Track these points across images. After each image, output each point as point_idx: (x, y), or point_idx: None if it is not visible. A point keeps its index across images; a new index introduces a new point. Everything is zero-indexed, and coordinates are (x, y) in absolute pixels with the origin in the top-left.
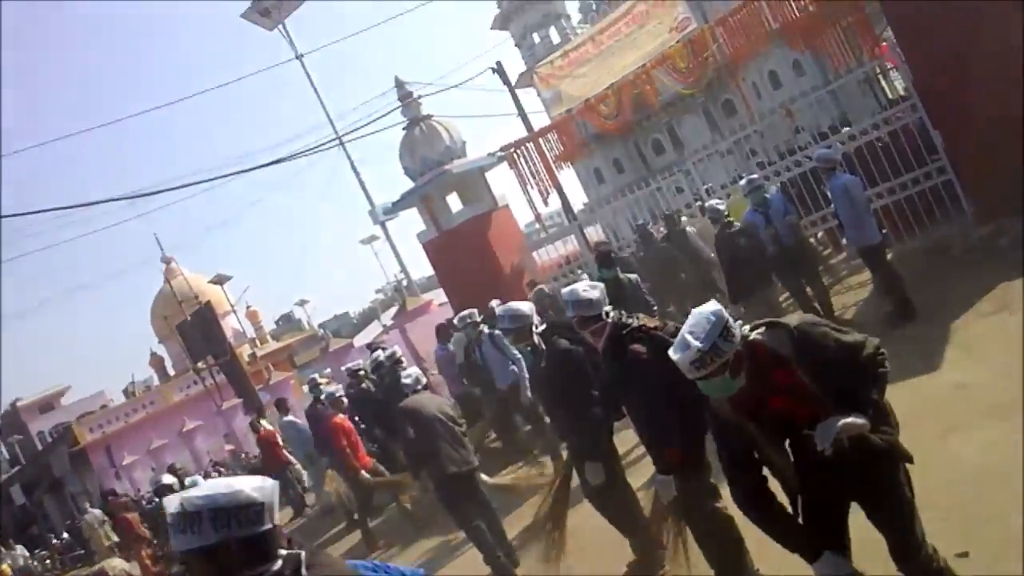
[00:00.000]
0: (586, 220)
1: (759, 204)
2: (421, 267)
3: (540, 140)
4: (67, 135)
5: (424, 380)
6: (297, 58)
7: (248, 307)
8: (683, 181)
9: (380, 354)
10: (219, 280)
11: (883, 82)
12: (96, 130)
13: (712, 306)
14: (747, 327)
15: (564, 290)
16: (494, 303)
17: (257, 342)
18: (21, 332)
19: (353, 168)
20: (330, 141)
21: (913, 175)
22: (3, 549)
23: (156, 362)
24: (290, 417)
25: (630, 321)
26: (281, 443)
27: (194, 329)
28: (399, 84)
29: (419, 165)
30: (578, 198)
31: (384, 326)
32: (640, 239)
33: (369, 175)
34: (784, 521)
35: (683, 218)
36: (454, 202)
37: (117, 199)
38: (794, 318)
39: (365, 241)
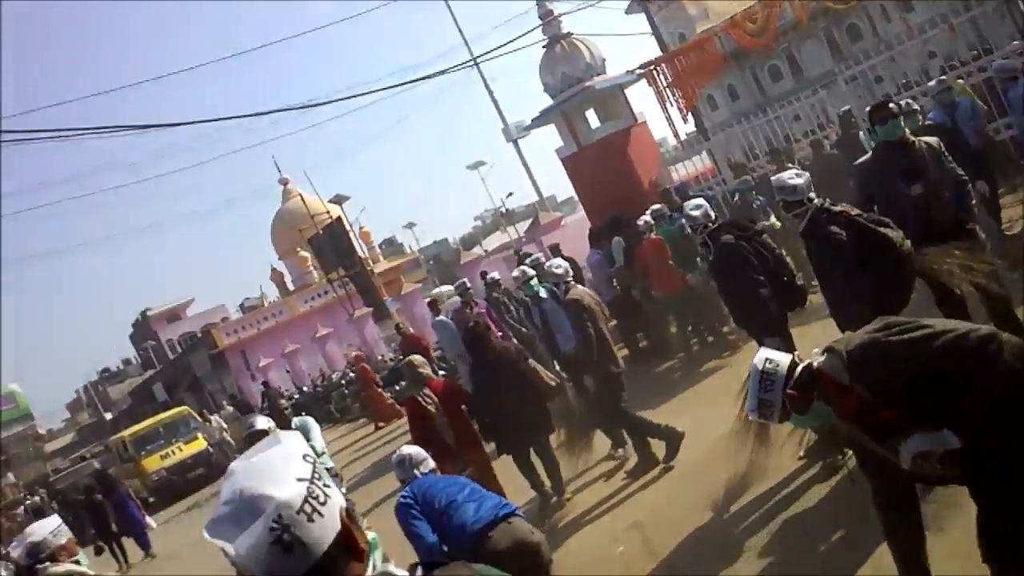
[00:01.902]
0: (696, 148)
1: (948, 105)
2: (545, 186)
3: (681, 58)
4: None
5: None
6: None
7: (361, 227)
8: (802, 109)
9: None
10: (338, 200)
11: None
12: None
13: (754, 359)
14: (817, 351)
15: (773, 177)
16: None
17: (369, 261)
18: (151, 247)
19: (487, 87)
20: (466, 63)
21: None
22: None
23: (276, 276)
24: (442, 317)
25: (832, 207)
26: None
27: (325, 242)
28: (540, 3)
29: (560, 82)
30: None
31: (485, 251)
32: (811, 146)
33: (500, 95)
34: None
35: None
36: (591, 119)
37: (244, 117)
38: (857, 336)
39: (472, 167)
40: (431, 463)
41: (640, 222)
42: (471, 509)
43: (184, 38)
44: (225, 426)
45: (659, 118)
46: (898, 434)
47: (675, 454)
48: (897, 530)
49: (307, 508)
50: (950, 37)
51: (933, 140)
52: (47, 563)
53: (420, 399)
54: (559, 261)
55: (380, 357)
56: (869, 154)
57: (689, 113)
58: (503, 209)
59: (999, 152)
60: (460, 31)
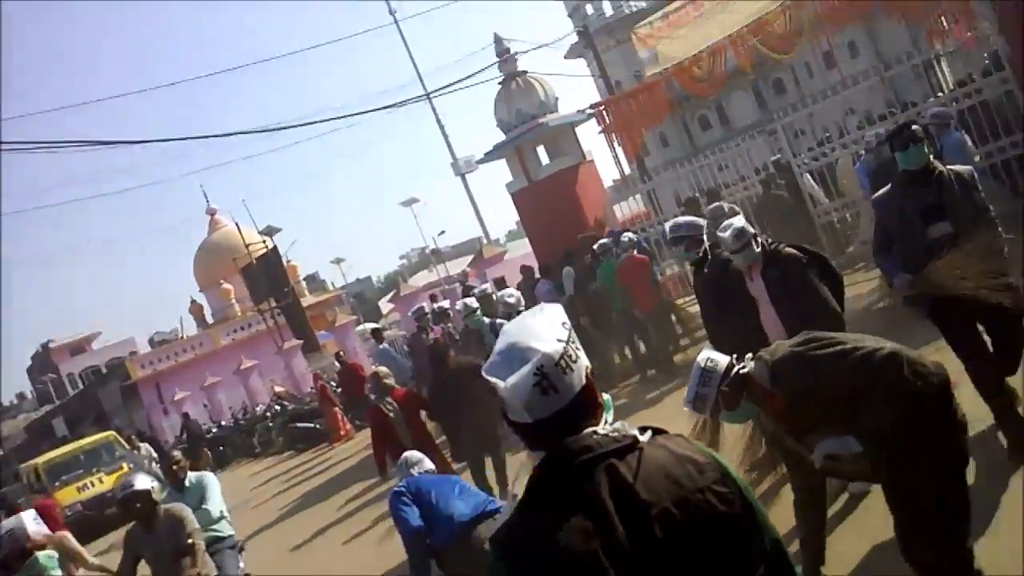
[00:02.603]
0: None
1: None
2: (467, 229)
3: (630, 100)
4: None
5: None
6: (390, 13)
7: (288, 261)
8: (729, 158)
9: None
10: (269, 232)
11: (938, 69)
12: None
13: (698, 357)
14: (749, 356)
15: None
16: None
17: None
18: (56, 277)
19: (438, 121)
20: (419, 96)
21: (999, 143)
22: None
23: (196, 309)
24: (384, 345)
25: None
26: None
27: (258, 272)
28: (497, 40)
29: (514, 118)
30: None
31: (390, 298)
32: (761, 184)
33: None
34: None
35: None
36: (542, 155)
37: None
38: (782, 347)
39: (405, 203)
40: (427, 464)
41: (624, 238)
42: (460, 504)
43: (121, 60)
44: (155, 455)
45: (606, 157)
46: (813, 435)
47: None
48: (807, 514)
49: (562, 363)
50: (869, 94)
51: (965, 170)
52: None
53: (383, 407)
54: (511, 291)
55: (311, 389)
56: (888, 187)
57: (635, 154)
58: (433, 247)
59: None
60: (415, 65)
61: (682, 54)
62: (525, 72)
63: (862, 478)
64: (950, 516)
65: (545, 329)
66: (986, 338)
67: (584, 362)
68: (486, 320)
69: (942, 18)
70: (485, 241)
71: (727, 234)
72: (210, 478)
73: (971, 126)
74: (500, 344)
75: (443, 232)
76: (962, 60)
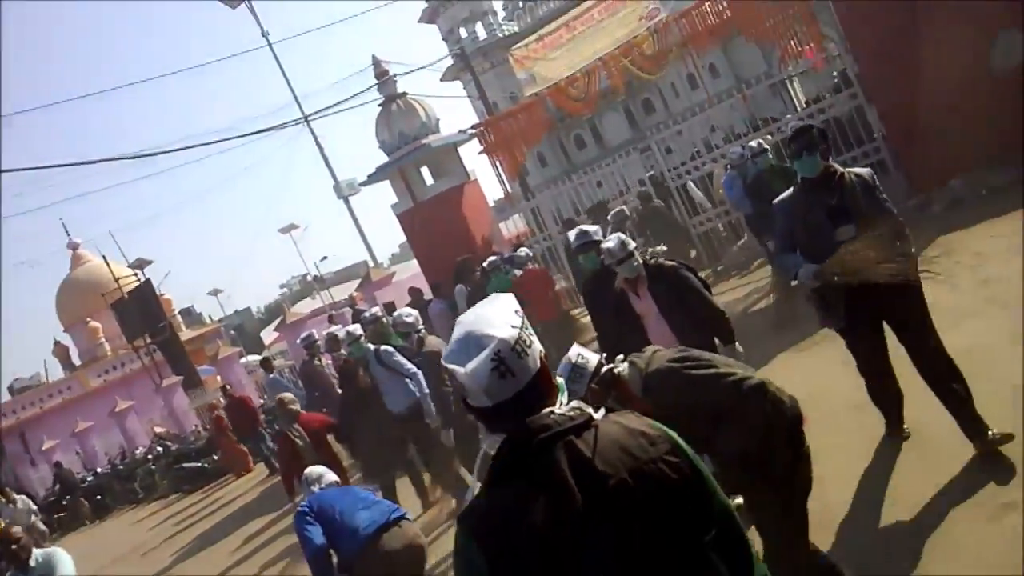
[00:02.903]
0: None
1: (741, 169)
2: (351, 253)
3: (510, 120)
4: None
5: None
6: (263, 35)
7: (161, 294)
8: (605, 176)
9: (367, 315)
10: (139, 265)
11: (790, 88)
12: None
13: (569, 352)
14: (620, 358)
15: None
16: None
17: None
18: None
19: (318, 145)
20: (296, 120)
21: (852, 154)
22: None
23: (61, 351)
24: (275, 375)
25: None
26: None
27: (131, 307)
28: (376, 63)
29: (396, 139)
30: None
31: (277, 326)
32: (639, 198)
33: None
34: None
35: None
36: (427, 176)
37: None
38: (658, 359)
39: (284, 230)
40: (329, 477)
41: (521, 252)
42: (364, 515)
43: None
44: (35, 508)
45: (489, 177)
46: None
47: None
48: None
49: (517, 348)
50: (730, 111)
51: (865, 172)
52: None
53: (290, 434)
54: (408, 310)
55: (194, 427)
56: (789, 191)
57: (517, 173)
58: (315, 274)
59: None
60: (291, 88)
61: (557, 75)
62: (405, 94)
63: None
64: (794, 531)
65: (499, 317)
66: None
67: (538, 347)
68: (371, 347)
69: (793, 41)
70: (372, 264)
71: (612, 243)
72: (60, 555)
73: (827, 138)
74: (457, 333)
75: (325, 258)
76: (812, 80)
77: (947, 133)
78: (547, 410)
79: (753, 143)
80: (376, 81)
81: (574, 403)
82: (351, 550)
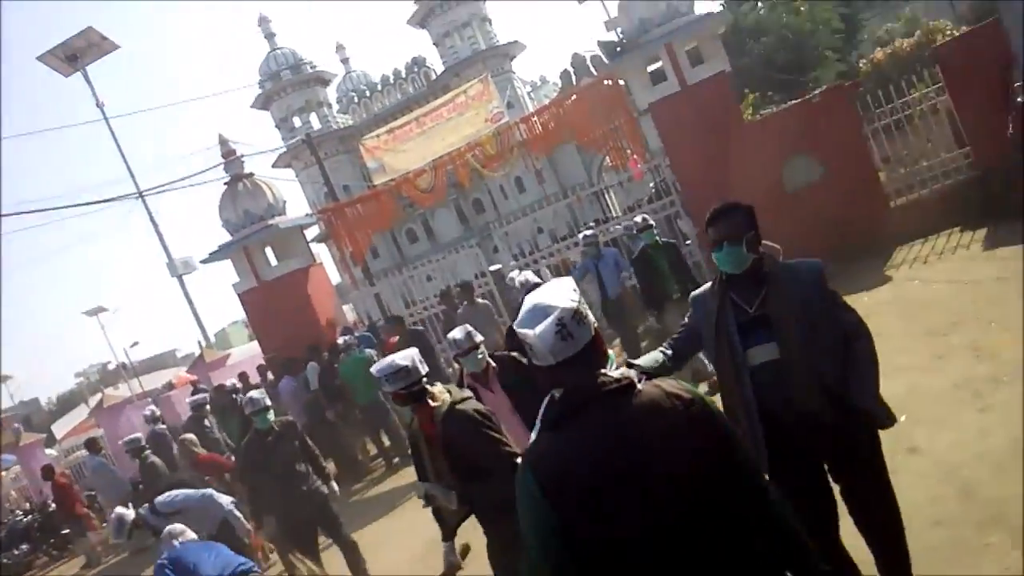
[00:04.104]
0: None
1: (594, 256)
2: (165, 339)
3: (358, 206)
4: None
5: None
6: (98, 107)
7: None
8: (436, 270)
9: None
10: None
11: (607, 198)
12: None
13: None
14: (442, 387)
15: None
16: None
17: None
18: None
19: (152, 221)
20: (129, 194)
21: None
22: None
23: None
24: (100, 459)
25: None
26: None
27: None
28: (223, 142)
29: (241, 219)
30: (334, 277)
31: (91, 412)
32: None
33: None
34: None
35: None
36: (270, 256)
37: None
38: (470, 405)
39: (90, 312)
40: (190, 535)
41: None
42: (215, 567)
43: None
44: None
45: (328, 261)
46: (451, 476)
47: None
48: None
49: (576, 317)
50: (554, 215)
51: (810, 266)
52: None
53: None
54: (255, 392)
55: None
56: (707, 285)
57: (362, 258)
58: (122, 360)
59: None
60: (125, 161)
61: (407, 166)
62: (252, 174)
63: (455, 522)
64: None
65: (561, 293)
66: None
67: (592, 320)
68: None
69: (625, 150)
70: (204, 345)
71: (457, 334)
72: None
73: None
74: (526, 306)
75: (136, 343)
76: (626, 191)
77: None
78: (599, 371)
79: (638, 218)
80: (223, 160)
81: (621, 369)
82: None
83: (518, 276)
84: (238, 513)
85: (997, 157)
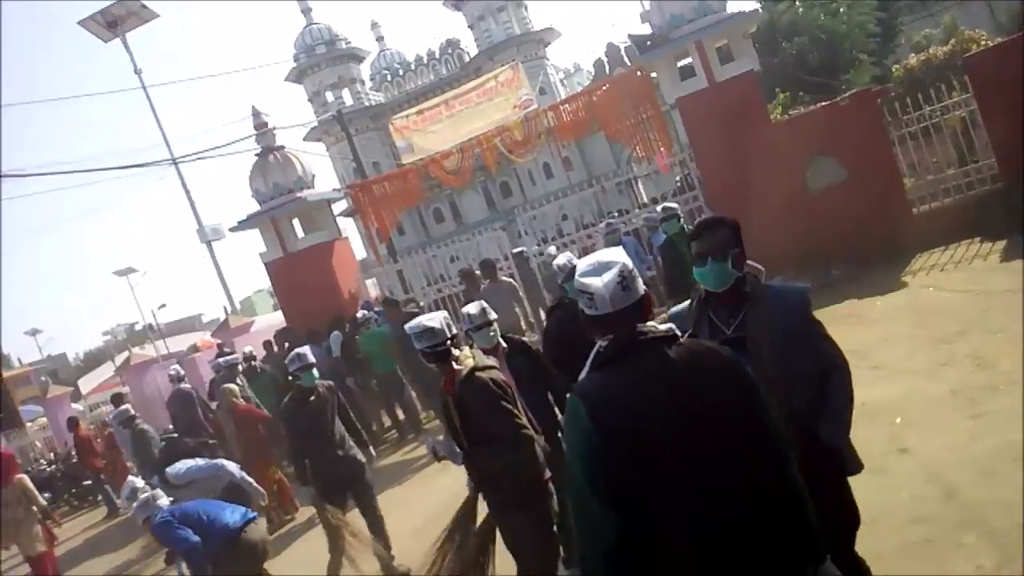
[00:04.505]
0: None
1: (614, 244)
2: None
3: (385, 184)
4: None
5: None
6: (135, 73)
7: None
8: (461, 250)
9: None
10: None
11: (635, 187)
12: None
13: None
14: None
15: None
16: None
17: None
18: None
19: (185, 187)
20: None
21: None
22: None
23: None
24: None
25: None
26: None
27: None
28: (256, 114)
29: (271, 190)
30: (359, 253)
31: (117, 369)
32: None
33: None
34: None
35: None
36: (298, 228)
37: None
38: (489, 369)
39: (121, 273)
40: (165, 499)
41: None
42: (228, 514)
43: None
44: None
45: (355, 236)
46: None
47: None
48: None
49: (632, 272)
50: (581, 202)
51: (797, 291)
52: None
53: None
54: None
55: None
56: (685, 304)
57: (388, 235)
58: (149, 321)
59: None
60: (161, 128)
61: (435, 148)
62: (283, 147)
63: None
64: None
65: (617, 252)
66: None
67: (641, 280)
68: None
69: (644, 143)
70: (229, 311)
71: (472, 308)
72: None
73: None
74: (586, 262)
75: (164, 306)
76: (655, 182)
77: (770, 238)
78: (649, 323)
79: (659, 208)
80: (255, 131)
81: (667, 324)
82: (217, 543)
83: (560, 258)
84: (250, 479)
85: (1022, 170)
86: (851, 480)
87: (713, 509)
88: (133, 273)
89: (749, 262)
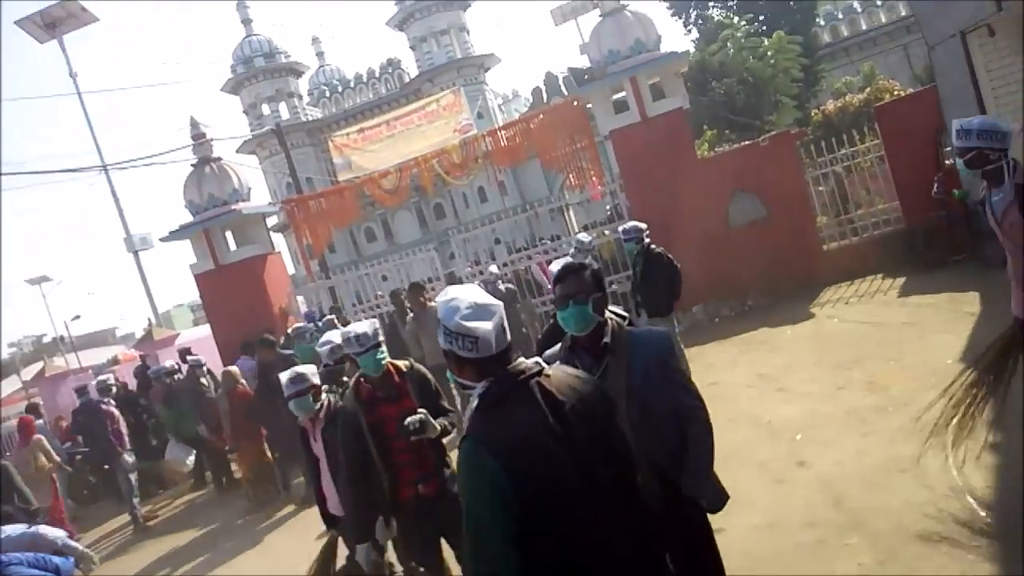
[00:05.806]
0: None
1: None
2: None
3: (321, 199)
4: None
5: None
6: (71, 76)
7: None
8: (391, 269)
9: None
10: None
11: (567, 214)
12: None
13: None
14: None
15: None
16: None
17: None
18: None
19: (114, 195)
20: (93, 167)
21: (610, 278)
22: None
23: None
24: (40, 421)
25: None
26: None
27: None
28: (194, 124)
29: (205, 201)
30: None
31: (24, 383)
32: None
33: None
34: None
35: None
36: (231, 241)
37: None
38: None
39: (33, 281)
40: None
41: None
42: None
43: None
44: None
45: (287, 251)
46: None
47: None
48: None
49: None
50: (514, 227)
51: (656, 335)
52: None
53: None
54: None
55: None
56: (556, 347)
57: (321, 251)
58: (63, 335)
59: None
60: (93, 134)
61: (373, 166)
62: (220, 158)
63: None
64: None
65: (484, 294)
66: None
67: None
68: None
69: (583, 171)
70: (154, 323)
71: (287, 376)
72: None
73: (603, 284)
74: (464, 303)
75: (78, 317)
76: (585, 209)
77: (692, 268)
78: (520, 360)
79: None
80: (192, 142)
81: (532, 359)
82: None
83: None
84: (74, 543)
85: (922, 213)
86: (755, 488)
87: (616, 526)
88: (47, 282)
89: (614, 308)
